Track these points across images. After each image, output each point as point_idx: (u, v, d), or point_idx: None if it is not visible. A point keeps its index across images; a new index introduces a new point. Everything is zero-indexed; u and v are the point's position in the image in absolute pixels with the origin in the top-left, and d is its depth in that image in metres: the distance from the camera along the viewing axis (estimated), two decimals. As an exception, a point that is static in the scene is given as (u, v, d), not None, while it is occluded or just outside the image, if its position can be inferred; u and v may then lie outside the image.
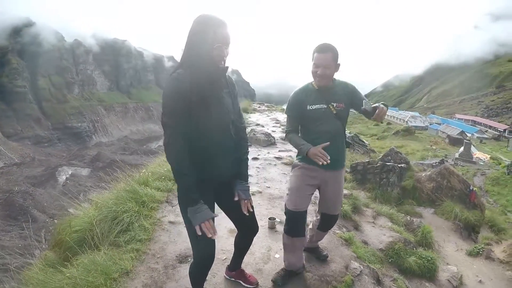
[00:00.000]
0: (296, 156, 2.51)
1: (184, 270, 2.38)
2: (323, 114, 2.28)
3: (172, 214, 3.37)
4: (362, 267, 2.79)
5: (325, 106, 2.28)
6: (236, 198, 1.85)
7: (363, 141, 12.57)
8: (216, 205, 1.94)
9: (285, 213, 2.43)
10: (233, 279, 2.38)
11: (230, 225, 2.86)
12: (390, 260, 3.40)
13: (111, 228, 2.77)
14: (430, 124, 68.62)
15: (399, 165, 6.69)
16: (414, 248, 3.76)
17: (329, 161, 2.09)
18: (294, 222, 2.36)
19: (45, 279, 2.16)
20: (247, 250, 2.30)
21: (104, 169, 3.85)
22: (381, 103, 2.10)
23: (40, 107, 70.65)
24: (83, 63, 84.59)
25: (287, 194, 2.42)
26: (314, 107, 2.28)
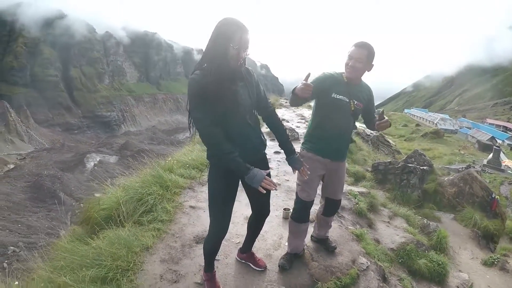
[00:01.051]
0: (302, 145, 2.65)
1: (200, 250, 2.56)
2: (343, 107, 2.39)
3: (194, 199, 3.59)
4: (369, 263, 2.85)
5: (347, 100, 2.39)
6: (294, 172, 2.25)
7: (388, 142, 12.38)
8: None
9: (296, 202, 2.61)
10: (243, 261, 2.57)
11: (246, 213, 3.05)
12: (400, 261, 3.42)
13: (136, 208, 3.02)
14: (460, 128, 65.91)
15: (421, 167, 6.60)
16: (426, 251, 3.74)
17: (310, 92, 2.10)
18: (304, 210, 2.58)
19: (72, 248, 2.41)
20: (258, 233, 2.49)
21: (131, 157, 4.08)
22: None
23: (71, 96, 73.35)
24: (114, 54, 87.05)
25: (299, 185, 2.58)
26: (338, 97, 2.37)
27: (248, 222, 2.45)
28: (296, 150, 2.22)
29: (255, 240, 2.53)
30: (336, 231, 3.29)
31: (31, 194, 30.80)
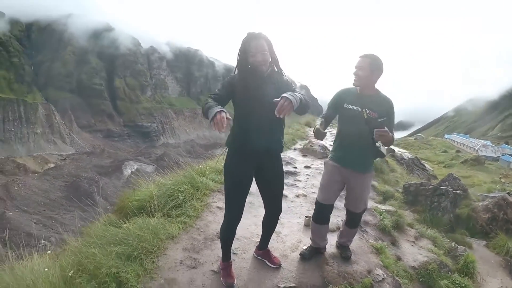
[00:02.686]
0: (331, 152, 2.82)
1: (220, 244, 2.76)
2: (355, 116, 2.52)
3: (221, 201, 3.79)
4: (385, 276, 2.87)
5: (359, 110, 2.51)
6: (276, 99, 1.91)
7: (424, 165, 12.00)
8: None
9: (315, 204, 2.80)
10: (260, 257, 2.74)
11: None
12: (420, 279, 3.34)
13: (166, 202, 3.30)
14: (502, 155, 61.90)
15: (454, 191, 6.40)
16: (449, 273, 3.64)
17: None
18: (321, 212, 2.75)
19: (104, 231, 2.67)
20: (272, 231, 2.65)
21: (168, 168, 4.37)
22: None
23: (114, 105, 77.94)
24: (157, 68, 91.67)
25: (319, 189, 2.79)
26: (349, 107, 2.55)
27: (262, 221, 2.62)
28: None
29: (269, 238, 2.69)
30: (355, 242, 3.32)
31: (68, 193, 32.37)
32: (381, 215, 4.45)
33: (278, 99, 1.85)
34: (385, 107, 2.56)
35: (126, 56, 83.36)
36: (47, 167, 48.12)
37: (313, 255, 2.87)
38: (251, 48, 2.15)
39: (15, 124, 57.71)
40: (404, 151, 17.19)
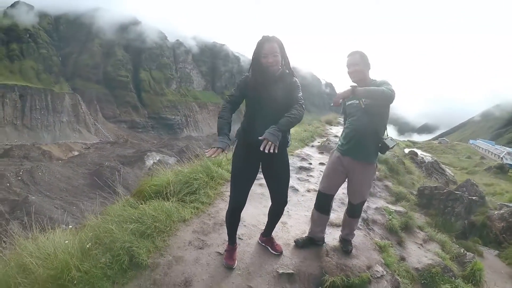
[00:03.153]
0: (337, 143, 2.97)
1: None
2: (355, 109, 2.71)
3: (234, 191, 4.01)
4: (385, 273, 2.92)
5: (357, 102, 2.67)
6: (260, 137, 2.12)
7: (443, 170, 11.77)
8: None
9: (317, 192, 2.97)
10: (263, 244, 2.93)
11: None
12: (422, 282, 3.36)
13: (181, 188, 3.54)
14: (526, 165, 58.82)
15: (470, 197, 6.32)
16: (453, 278, 3.59)
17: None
18: (321, 201, 2.92)
19: (122, 210, 2.91)
20: (277, 220, 2.81)
21: (189, 160, 4.61)
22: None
23: (139, 97, 79.37)
24: (183, 62, 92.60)
25: (321, 178, 2.96)
26: (349, 102, 2.76)
27: (268, 211, 2.80)
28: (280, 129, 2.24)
29: (274, 227, 2.85)
30: (359, 238, 3.40)
31: (91, 181, 33.18)
32: (390, 215, 4.48)
33: (262, 137, 2.10)
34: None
35: (152, 50, 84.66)
36: (71, 154, 49.72)
37: (307, 244, 2.99)
38: (263, 50, 2.32)
39: (42, 112, 60.01)
40: (427, 154, 16.85)
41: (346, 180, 2.89)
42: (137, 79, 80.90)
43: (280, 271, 2.63)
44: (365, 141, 2.69)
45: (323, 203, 2.93)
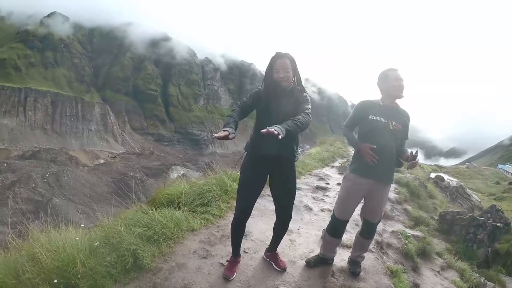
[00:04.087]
0: (350, 166, 2.85)
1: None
2: (381, 127, 2.63)
3: (248, 206, 4.05)
4: (394, 300, 2.80)
5: (385, 121, 2.63)
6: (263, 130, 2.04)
7: (468, 195, 11.30)
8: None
9: (331, 217, 2.89)
10: (268, 259, 2.91)
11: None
12: None
13: (194, 199, 3.63)
14: (556, 193, 54.73)
15: (494, 223, 6.02)
16: None
17: (376, 162, 2.50)
18: (335, 226, 2.84)
19: (133, 215, 3.01)
20: (282, 236, 2.82)
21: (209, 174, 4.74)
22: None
23: (167, 111, 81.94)
24: (211, 79, 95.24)
25: (336, 202, 2.85)
26: (375, 118, 2.64)
27: (273, 226, 2.81)
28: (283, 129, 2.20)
29: (279, 242, 2.85)
30: (370, 261, 3.29)
31: (114, 189, 34.12)
32: (406, 239, 4.32)
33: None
34: (406, 118, 2.71)
35: (181, 65, 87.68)
36: (97, 162, 51.22)
37: (318, 264, 2.93)
38: (276, 65, 2.43)
39: (72, 119, 63.15)
40: (453, 179, 16.21)
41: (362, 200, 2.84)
42: (165, 94, 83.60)
43: (281, 288, 2.59)
44: (389, 163, 2.67)
45: (339, 230, 2.86)
